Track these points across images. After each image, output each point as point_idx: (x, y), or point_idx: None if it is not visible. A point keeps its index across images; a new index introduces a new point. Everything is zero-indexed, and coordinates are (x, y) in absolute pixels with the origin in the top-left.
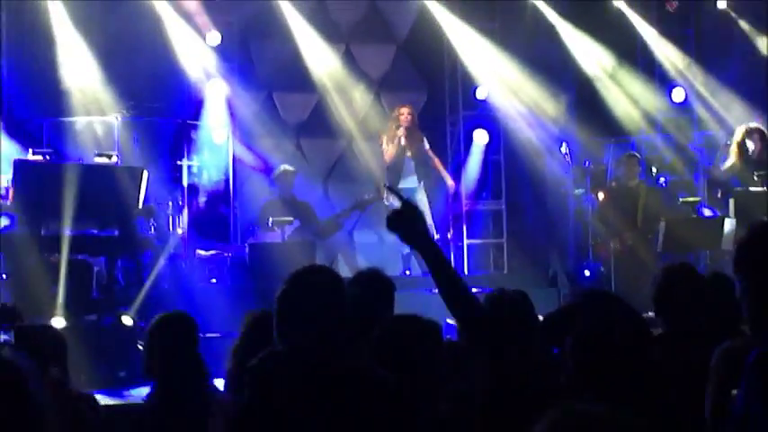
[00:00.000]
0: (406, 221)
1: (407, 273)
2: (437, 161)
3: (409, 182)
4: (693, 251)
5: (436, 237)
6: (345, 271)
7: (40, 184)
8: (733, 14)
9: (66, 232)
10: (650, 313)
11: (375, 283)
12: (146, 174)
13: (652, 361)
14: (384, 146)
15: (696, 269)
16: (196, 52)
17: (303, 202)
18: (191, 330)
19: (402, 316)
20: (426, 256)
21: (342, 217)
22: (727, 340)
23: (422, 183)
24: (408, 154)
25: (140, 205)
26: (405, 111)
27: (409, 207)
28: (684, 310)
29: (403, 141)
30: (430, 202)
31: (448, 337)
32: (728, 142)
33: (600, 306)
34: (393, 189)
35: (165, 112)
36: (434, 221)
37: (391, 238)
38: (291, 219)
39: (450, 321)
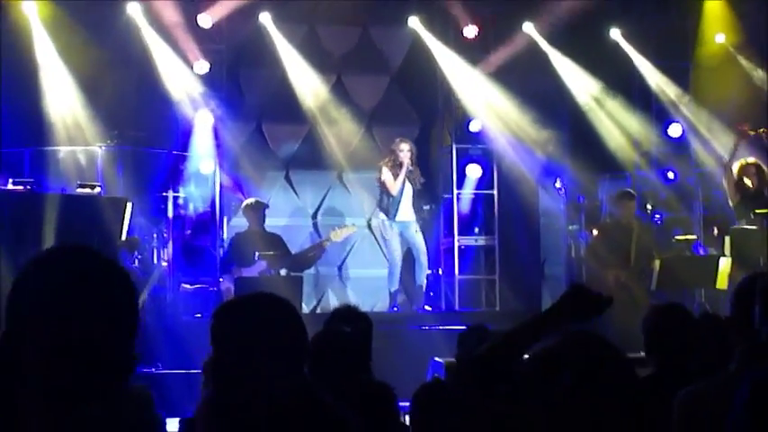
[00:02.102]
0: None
1: (395, 309)
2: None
3: (405, 215)
4: (688, 289)
5: (439, 272)
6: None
7: (20, 214)
8: (731, 49)
9: None
10: (642, 353)
11: (352, 320)
12: (129, 205)
13: (638, 404)
14: (384, 176)
15: (686, 309)
16: (183, 81)
17: (274, 234)
18: None
19: None
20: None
21: (314, 251)
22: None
23: (414, 215)
24: (406, 189)
25: (124, 237)
26: (405, 147)
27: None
28: (675, 351)
29: (404, 177)
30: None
31: (435, 374)
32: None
33: (584, 348)
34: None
35: (150, 142)
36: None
37: (380, 272)
38: (275, 252)
39: (437, 359)
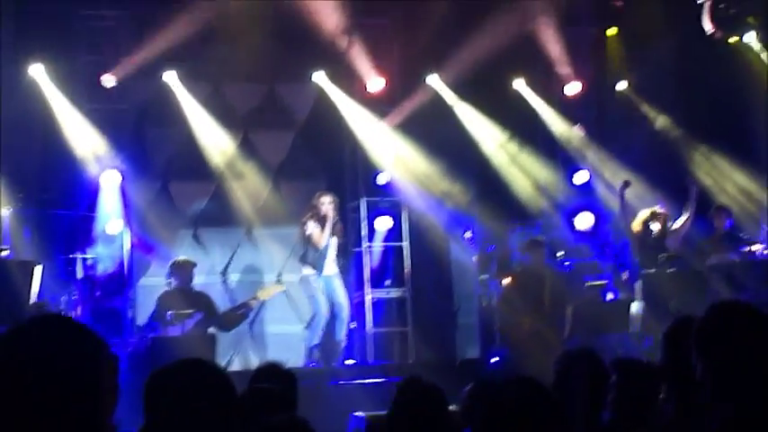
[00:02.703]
0: None
1: (312, 365)
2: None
3: (330, 269)
4: (601, 335)
5: (353, 325)
6: (248, 364)
7: None
8: (634, 97)
9: None
10: None
11: (277, 377)
12: (39, 268)
13: None
14: (310, 229)
15: (596, 355)
16: (89, 141)
17: (202, 293)
18: None
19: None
20: None
21: (242, 309)
22: None
23: (338, 270)
24: (332, 242)
25: (33, 301)
26: (327, 200)
27: None
28: (584, 398)
29: (329, 230)
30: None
31: (357, 428)
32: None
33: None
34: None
35: (57, 203)
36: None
37: (291, 328)
38: (191, 311)
39: (357, 414)
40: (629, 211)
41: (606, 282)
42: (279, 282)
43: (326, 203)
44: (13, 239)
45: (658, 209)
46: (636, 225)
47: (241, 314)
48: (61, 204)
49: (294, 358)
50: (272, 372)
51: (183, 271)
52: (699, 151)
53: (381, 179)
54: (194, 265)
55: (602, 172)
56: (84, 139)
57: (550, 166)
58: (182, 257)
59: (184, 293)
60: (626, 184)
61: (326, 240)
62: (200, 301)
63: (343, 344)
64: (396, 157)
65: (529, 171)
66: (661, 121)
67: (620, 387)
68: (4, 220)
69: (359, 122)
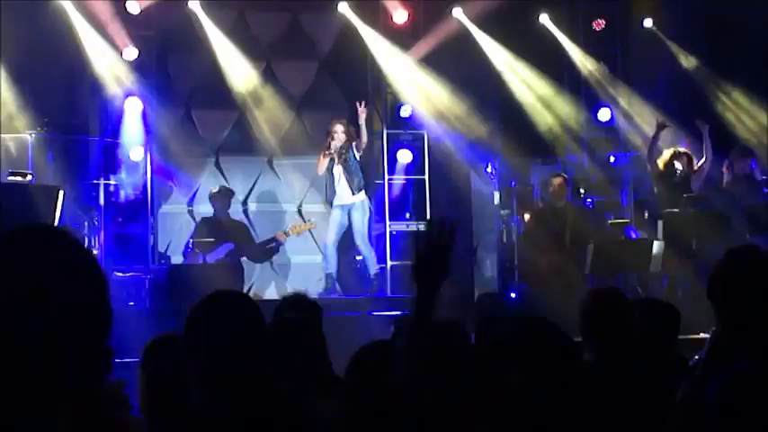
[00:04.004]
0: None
1: (334, 295)
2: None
3: (343, 198)
4: (622, 273)
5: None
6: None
7: None
8: (660, 34)
9: None
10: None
11: (302, 308)
12: (61, 193)
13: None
14: (320, 159)
15: (623, 294)
16: (113, 68)
17: (239, 222)
18: None
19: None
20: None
21: (273, 243)
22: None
23: (357, 196)
24: (340, 172)
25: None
26: (338, 129)
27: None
28: (611, 337)
29: (335, 159)
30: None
31: None
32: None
33: (538, 337)
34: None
35: (81, 129)
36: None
37: (311, 258)
38: (212, 240)
39: None
40: (656, 153)
41: (628, 220)
42: (300, 213)
43: (338, 132)
44: (37, 164)
45: (681, 148)
46: (660, 163)
47: (270, 248)
48: (85, 130)
49: (311, 288)
50: (297, 302)
51: (222, 199)
52: (723, 91)
53: (404, 112)
54: (232, 193)
55: (626, 109)
56: (109, 66)
57: (574, 102)
58: (221, 186)
59: (221, 222)
60: (662, 127)
61: (324, 168)
62: (235, 231)
63: (375, 278)
64: (419, 89)
65: (552, 107)
66: (688, 61)
67: (643, 327)
68: (28, 144)
69: (382, 54)
